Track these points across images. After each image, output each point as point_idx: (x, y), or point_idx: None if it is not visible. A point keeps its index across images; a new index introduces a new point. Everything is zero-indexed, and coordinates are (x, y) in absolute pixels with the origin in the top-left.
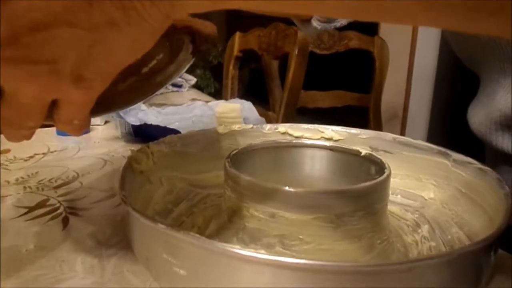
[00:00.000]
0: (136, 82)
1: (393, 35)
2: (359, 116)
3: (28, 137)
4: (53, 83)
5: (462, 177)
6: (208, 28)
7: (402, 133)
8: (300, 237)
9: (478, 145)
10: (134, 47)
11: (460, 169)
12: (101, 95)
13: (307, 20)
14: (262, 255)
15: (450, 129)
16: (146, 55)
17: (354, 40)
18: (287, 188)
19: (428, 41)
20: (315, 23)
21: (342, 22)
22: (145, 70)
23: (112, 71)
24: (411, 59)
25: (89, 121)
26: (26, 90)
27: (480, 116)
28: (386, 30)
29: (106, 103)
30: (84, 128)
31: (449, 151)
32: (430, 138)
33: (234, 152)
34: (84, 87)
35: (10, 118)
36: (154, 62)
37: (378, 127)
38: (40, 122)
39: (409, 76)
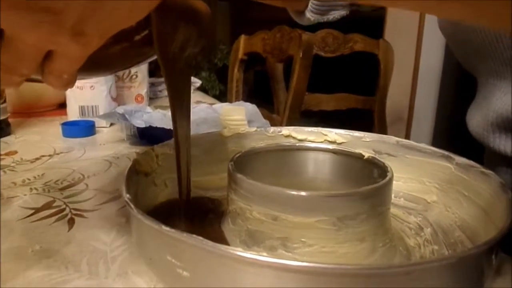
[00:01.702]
0: (127, 48)
1: (398, 37)
2: (364, 118)
3: (18, 84)
4: (54, 34)
5: (465, 181)
6: (204, 8)
7: (407, 135)
8: (303, 239)
9: (482, 148)
10: (131, 12)
11: (463, 172)
12: (93, 56)
13: (301, 11)
14: (264, 257)
15: (455, 132)
16: (140, 24)
17: (359, 43)
18: (289, 191)
19: (433, 44)
20: (308, 14)
21: (335, 15)
22: (137, 37)
23: (109, 31)
24: (417, 61)
25: (76, 79)
26: (27, 37)
27: (477, 118)
28: (391, 33)
29: (96, 64)
30: (70, 84)
31: (452, 155)
32: (435, 141)
33: (237, 155)
34: (82, 42)
35: (6, 63)
36: (146, 32)
37: (382, 129)
38: (33, 70)
39: (414, 78)
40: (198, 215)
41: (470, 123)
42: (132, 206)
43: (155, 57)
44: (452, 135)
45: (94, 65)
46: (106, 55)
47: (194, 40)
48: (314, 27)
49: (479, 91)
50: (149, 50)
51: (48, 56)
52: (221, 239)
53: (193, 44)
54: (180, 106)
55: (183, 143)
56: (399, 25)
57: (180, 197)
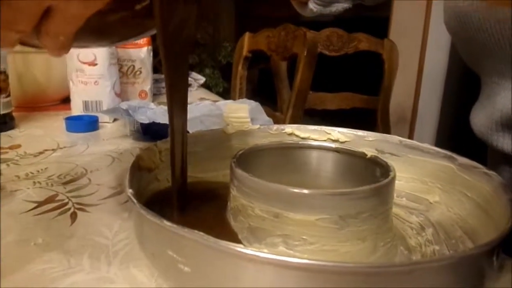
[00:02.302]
0: (127, 18)
1: (403, 37)
2: (368, 118)
3: (13, 44)
4: None
5: (467, 181)
6: None
7: (411, 136)
8: (304, 237)
9: (486, 148)
10: None
11: (465, 173)
12: (92, 23)
13: (304, 2)
14: (264, 254)
15: (459, 132)
16: None
17: (364, 42)
18: (291, 188)
19: (438, 44)
20: (311, 5)
21: (338, 7)
22: (137, 7)
23: None
24: (421, 62)
25: (71, 43)
26: None
27: (481, 118)
28: (396, 33)
29: (95, 32)
30: (65, 48)
31: (455, 155)
32: (439, 141)
33: (240, 152)
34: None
35: (4, 18)
36: (147, 2)
37: (386, 129)
38: (31, 27)
39: (419, 79)
40: (201, 202)
41: (473, 122)
42: (135, 201)
43: (153, 32)
44: (456, 136)
45: (93, 33)
46: (106, 23)
47: (194, 19)
48: (319, 26)
49: (483, 90)
50: (148, 22)
51: (46, 14)
52: (229, 233)
53: (192, 24)
54: (177, 93)
55: (179, 131)
56: (404, 25)
57: (173, 179)
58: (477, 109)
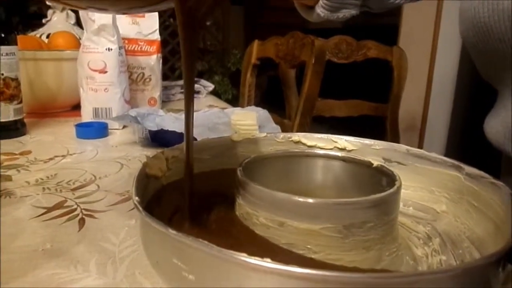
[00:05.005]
0: None
1: (412, 45)
2: (376, 126)
3: None
4: None
5: (475, 191)
6: None
7: (420, 144)
8: (308, 246)
9: (496, 157)
10: None
11: (473, 182)
12: None
13: (311, 7)
14: (268, 263)
15: (469, 140)
16: None
17: (373, 50)
18: (296, 197)
19: (448, 52)
20: (319, 10)
21: (345, 14)
22: None
23: None
24: (431, 69)
25: None
26: None
27: (497, 126)
28: (406, 40)
29: None
30: None
31: (462, 165)
32: (449, 149)
33: (246, 160)
34: None
35: None
36: None
37: (395, 137)
38: None
39: (428, 87)
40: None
41: (488, 131)
42: (141, 208)
43: (157, 8)
44: (466, 144)
45: None
46: None
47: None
48: (327, 34)
49: (500, 100)
50: None
51: None
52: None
53: (207, 7)
54: (192, 69)
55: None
56: (413, 33)
57: (186, 178)
58: (492, 118)
